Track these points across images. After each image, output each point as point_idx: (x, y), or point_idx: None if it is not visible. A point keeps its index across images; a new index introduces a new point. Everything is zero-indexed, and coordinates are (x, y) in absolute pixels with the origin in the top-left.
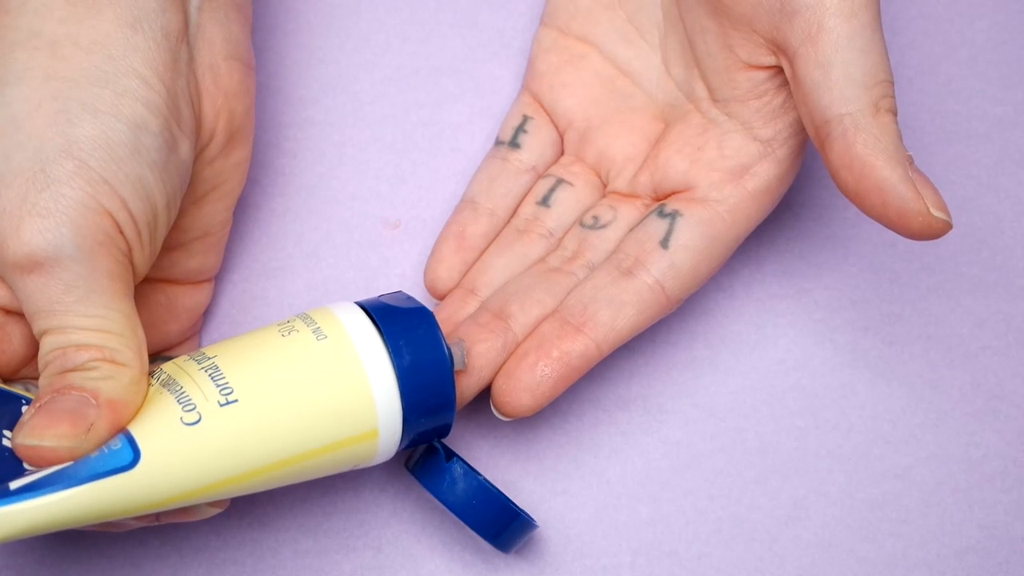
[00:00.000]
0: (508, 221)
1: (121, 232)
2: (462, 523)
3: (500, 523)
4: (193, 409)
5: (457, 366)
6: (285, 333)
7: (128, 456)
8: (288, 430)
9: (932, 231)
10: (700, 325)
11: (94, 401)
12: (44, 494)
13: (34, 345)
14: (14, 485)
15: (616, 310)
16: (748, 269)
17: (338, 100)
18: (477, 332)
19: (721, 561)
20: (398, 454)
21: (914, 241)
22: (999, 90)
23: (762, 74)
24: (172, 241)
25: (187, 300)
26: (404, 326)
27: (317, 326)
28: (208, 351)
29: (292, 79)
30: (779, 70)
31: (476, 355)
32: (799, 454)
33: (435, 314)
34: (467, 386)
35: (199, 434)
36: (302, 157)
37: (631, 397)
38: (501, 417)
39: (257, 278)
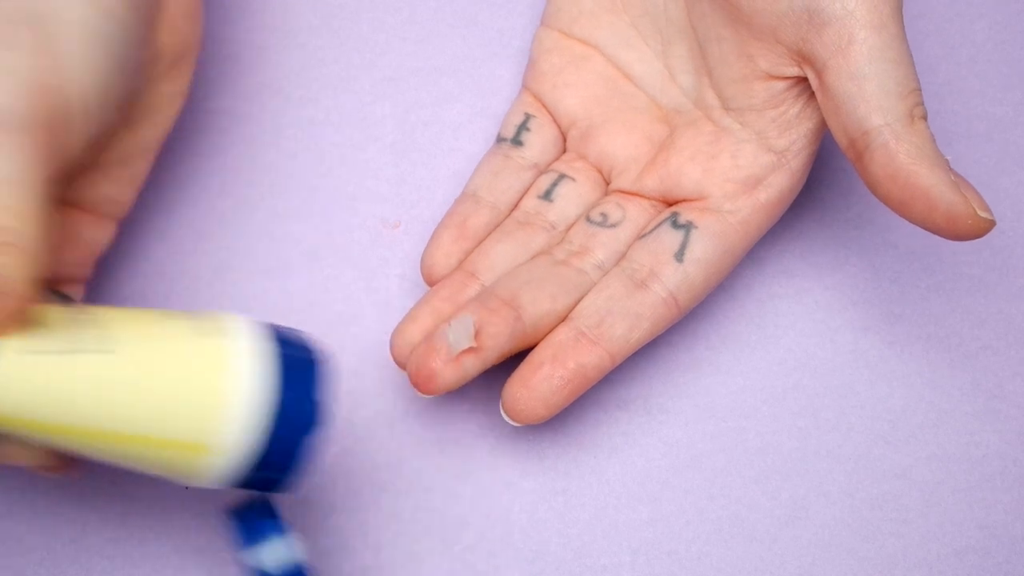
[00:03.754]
0: (509, 215)
1: (68, 115)
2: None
3: None
4: (45, 346)
5: (464, 344)
6: (173, 319)
7: None
8: (129, 402)
9: (979, 231)
10: (700, 325)
11: None
12: None
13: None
14: None
15: (632, 323)
16: (748, 269)
17: (338, 100)
18: (487, 315)
19: (721, 561)
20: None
21: (957, 242)
22: (999, 90)
23: (781, 84)
24: (93, 159)
25: (90, 232)
26: (289, 360)
27: (204, 323)
28: (93, 308)
29: (292, 79)
30: (799, 80)
31: (485, 336)
32: (799, 454)
33: (434, 293)
34: (471, 364)
35: (39, 367)
36: (302, 157)
37: (631, 397)
38: (512, 423)
39: (257, 278)
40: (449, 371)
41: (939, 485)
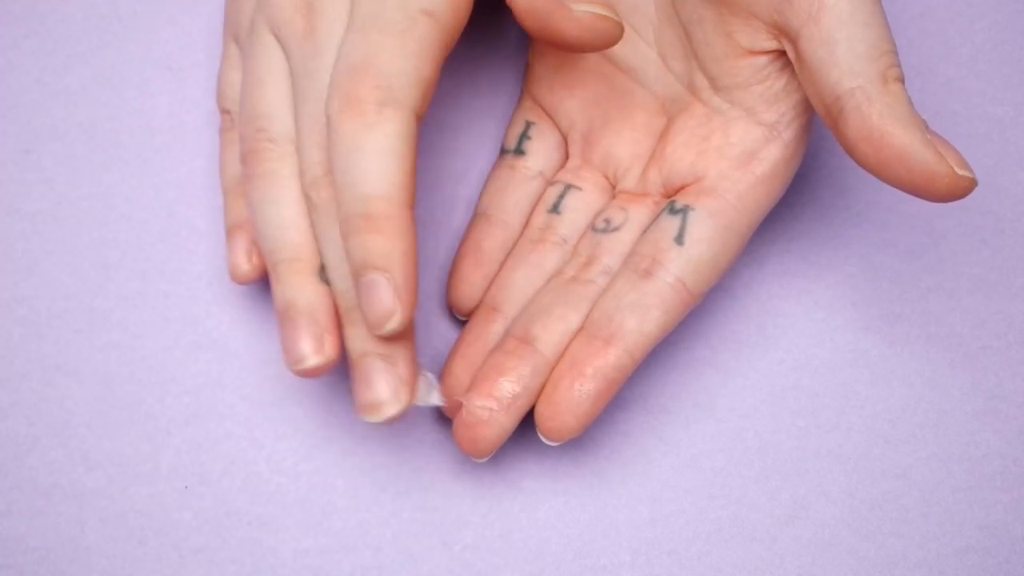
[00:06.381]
0: (522, 230)
1: (462, 19)
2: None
3: None
4: None
5: (431, 401)
6: None
7: None
8: None
9: (959, 190)
10: (700, 325)
11: None
12: None
13: None
14: None
15: (642, 315)
16: (748, 269)
17: None
18: (505, 360)
19: (721, 561)
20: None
21: (940, 204)
22: (999, 90)
23: (763, 59)
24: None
25: None
26: None
27: None
28: None
29: None
30: (779, 54)
31: (509, 381)
32: (799, 454)
33: (462, 338)
34: (507, 418)
35: None
36: None
37: (631, 397)
38: (550, 443)
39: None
40: (486, 431)
41: (939, 485)
